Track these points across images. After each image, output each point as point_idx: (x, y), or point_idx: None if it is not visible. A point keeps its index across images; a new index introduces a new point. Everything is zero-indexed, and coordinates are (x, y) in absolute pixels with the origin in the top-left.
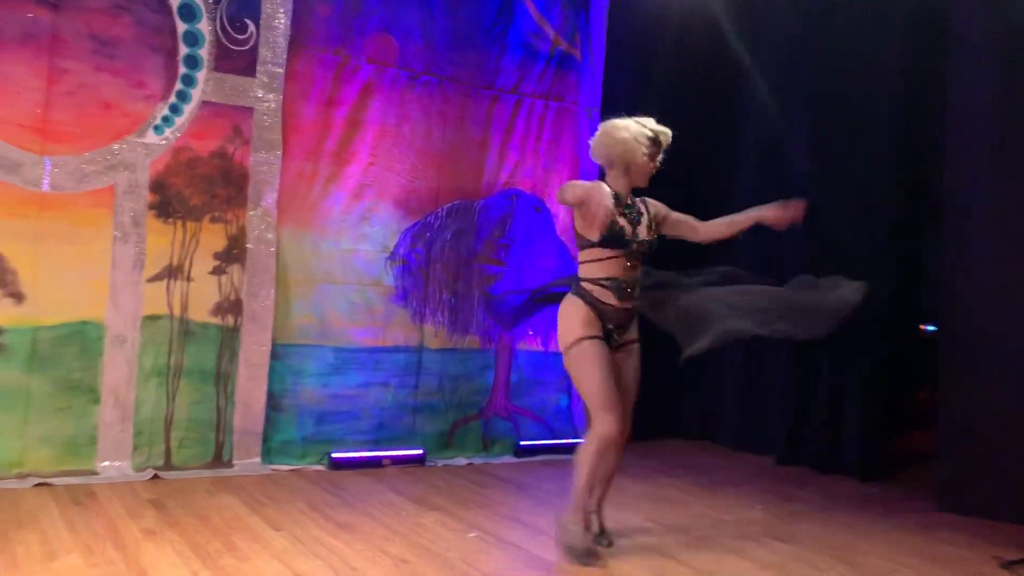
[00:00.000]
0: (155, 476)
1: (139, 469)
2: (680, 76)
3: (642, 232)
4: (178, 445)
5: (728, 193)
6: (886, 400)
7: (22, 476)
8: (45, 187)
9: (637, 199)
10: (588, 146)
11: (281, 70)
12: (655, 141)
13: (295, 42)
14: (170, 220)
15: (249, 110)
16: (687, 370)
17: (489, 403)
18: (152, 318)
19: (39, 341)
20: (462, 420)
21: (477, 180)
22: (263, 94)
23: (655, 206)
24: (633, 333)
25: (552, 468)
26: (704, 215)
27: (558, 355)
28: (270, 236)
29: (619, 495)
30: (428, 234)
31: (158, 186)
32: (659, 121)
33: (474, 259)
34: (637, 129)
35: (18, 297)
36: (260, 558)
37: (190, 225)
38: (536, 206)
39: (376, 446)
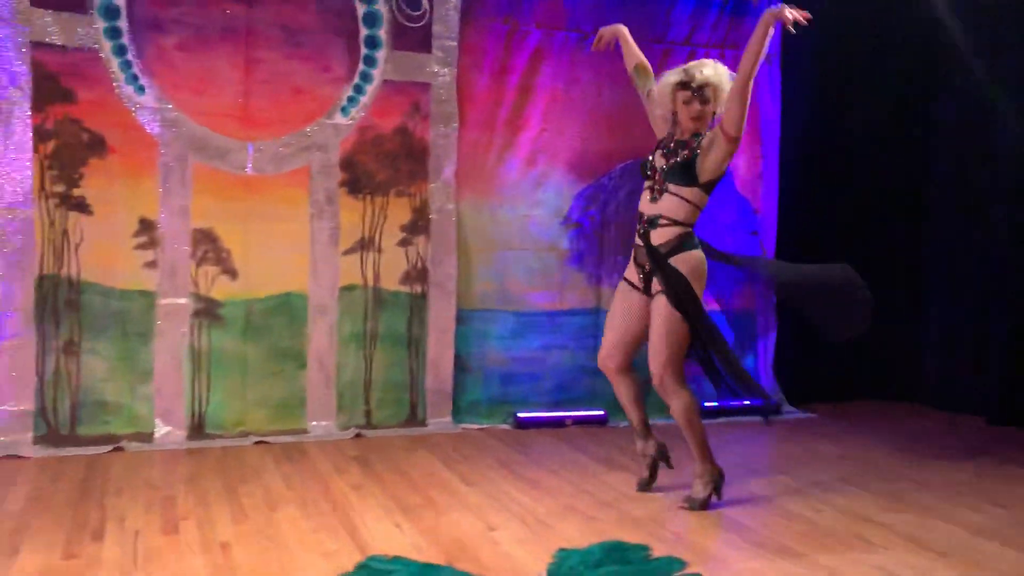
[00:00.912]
0: (358, 435)
1: (343, 428)
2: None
3: (659, 161)
4: (377, 405)
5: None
6: None
7: (243, 434)
8: (249, 170)
9: (701, 136)
10: (767, 94)
11: (454, 43)
12: (683, 84)
13: (466, 14)
14: (360, 196)
15: (426, 85)
16: (888, 328)
17: None
18: (348, 288)
19: (252, 313)
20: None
21: (651, 137)
22: (438, 68)
23: (716, 140)
24: (660, 284)
25: (736, 429)
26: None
27: (736, 314)
28: (451, 207)
29: (816, 460)
30: (602, 196)
31: (348, 164)
32: (844, 69)
33: None
34: (664, 80)
35: (232, 273)
36: (456, 512)
37: (378, 200)
38: None
39: (558, 406)
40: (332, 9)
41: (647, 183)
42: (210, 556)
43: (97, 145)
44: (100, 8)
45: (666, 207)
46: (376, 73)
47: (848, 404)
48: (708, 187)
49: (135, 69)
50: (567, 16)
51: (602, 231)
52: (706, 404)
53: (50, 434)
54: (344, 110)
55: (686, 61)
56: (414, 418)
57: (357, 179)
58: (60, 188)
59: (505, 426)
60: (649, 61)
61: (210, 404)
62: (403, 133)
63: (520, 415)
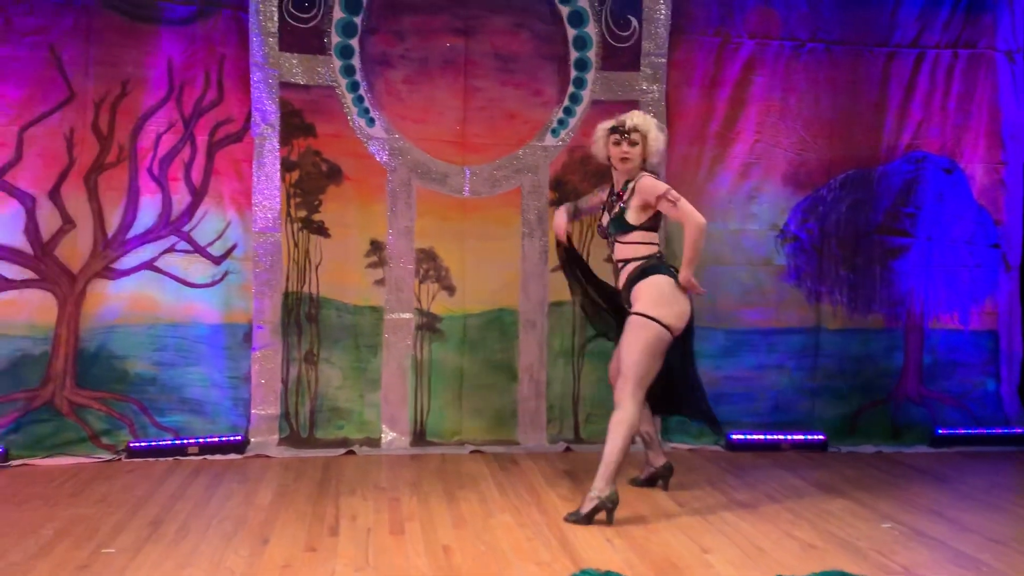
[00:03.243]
0: (567, 448)
1: (553, 441)
2: None
3: (604, 218)
4: (585, 420)
5: None
6: None
7: (460, 443)
8: (466, 193)
9: (631, 183)
10: (1010, 94)
11: (663, 60)
12: (613, 129)
13: (675, 30)
14: None
15: (634, 103)
16: None
17: (899, 387)
18: (557, 304)
19: (468, 327)
20: (868, 405)
21: (874, 146)
22: (647, 86)
23: (638, 187)
24: (635, 306)
25: (977, 460)
26: None
27: (979, 334)
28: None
29: None
30: (820, 208)
31: (557, 184)
32: None
33: (874, 231)
34: (598, 129)
35: (451, 289)
36: (667, 531)
37: (586, 218)
38: (946, 168)
39: (773, 429)
40: (543, 35)
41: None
42: (433, 558)
43: (334, 174)
44: (337, 48)
45: (622, 253)
46: (585, 94)
47: None
48: (648, 225)
49: (366, 103)
50: (781, 25)
51: (821, 245)
52: (940, 431)
53: (292, 436)
54: (554, 132)
55: (914, 65)
56: None
57: (566, 198)
58: (303, 213)
59: (716, 447)
60: (872, 65)
61: (430, 413)
62: None
63: (732, 436)
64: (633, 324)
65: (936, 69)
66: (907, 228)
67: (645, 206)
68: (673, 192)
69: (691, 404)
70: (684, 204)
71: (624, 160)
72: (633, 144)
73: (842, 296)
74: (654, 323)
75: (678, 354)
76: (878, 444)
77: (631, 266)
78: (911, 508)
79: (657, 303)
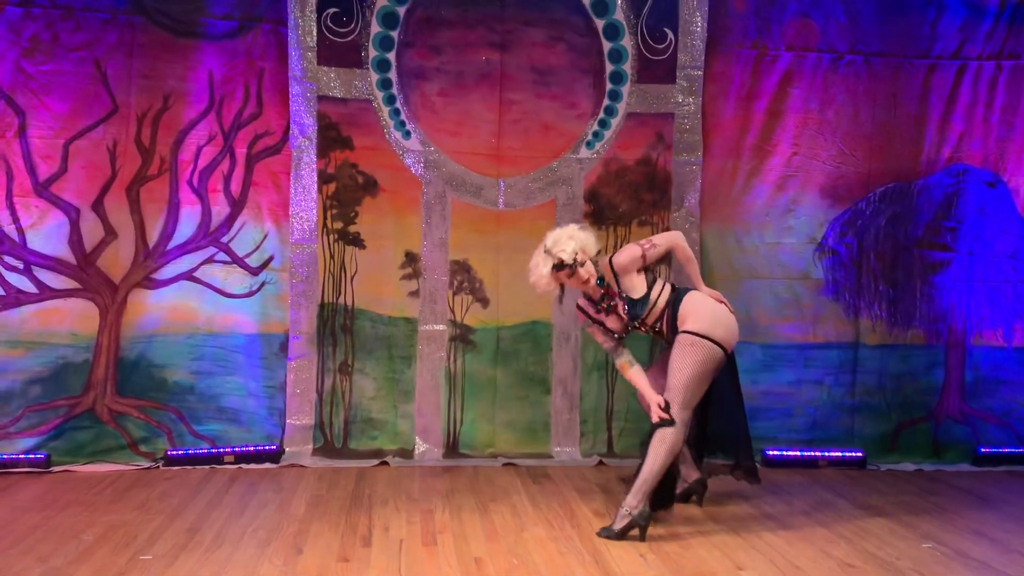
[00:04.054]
0: (600, 462)
1: (586, 455)
2: None
3: (615, 323)
4: (619, 434)
5: None
6: None
7: (493, 455)
8: (500, 205)
9: (604, 279)
10: None
11: (699, 72)
12: (557, 267)
13: (712, 42)
14: (603, 227)
15: (670, 116)
16: None
17: (940, 404)
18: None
19: (501, 339)
20: (908, 422)
21: (914, 159)
22: (683, 98)
23: (618, 270)
24: (684, 326)
25: (1021, 480)
26: None
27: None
28: (694, 235)
29: None
30: (859, 221)
31: (592, 196)
32: None
33: (914, 245)
34: (538, 274)
35: (484, 302)
36: (702, 547)
37: (620, 230)
38: (989, 181)
39: (810, 445)
40: (579, 48)
41: (637, 330)
42: (465, 570)
43: (370, 186)
44: (374, 62)
45: (653, 313)
46: (620, 107)
47: None
48: (646, 275)
49: (402, 116)
50: (819, 37)
51: (860, 259)
52: (982, 450)
53: (326, 446)
54: (589, 144)
55: (955, 77)
56: None
57: (601, 210)
58: (339, 225)
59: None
60: (912, 78)
61: (463, 424)
62: (646, 163)
63: (768, 452)
64: (682, 343)
65: (978, 81)
66: (948, 242)
67: (634, 270)
68: (644, 242)
69: (733, 449)
70: (657, 238)
71: (586, 283)
72: (582, 264)
73: (881, 311)
74: (705, 341)
75: (728, 393)
76: (918, 462)
77: (660, 308)
78: (952, 528)
79: (705, 319)
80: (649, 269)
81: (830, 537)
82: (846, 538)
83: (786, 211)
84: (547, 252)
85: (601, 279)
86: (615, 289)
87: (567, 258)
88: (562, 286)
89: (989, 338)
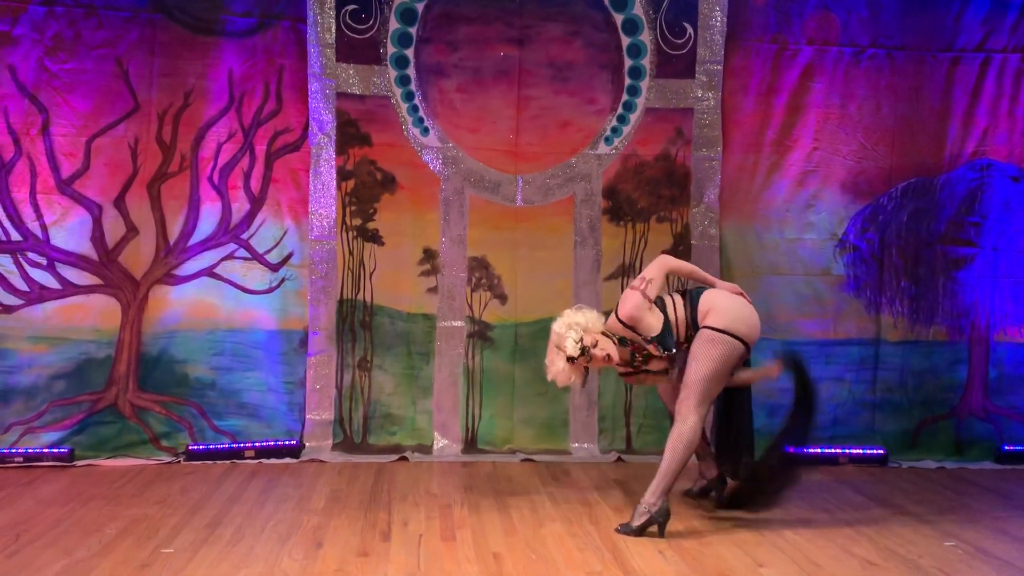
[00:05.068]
0: (619, 459)
1: (604, 451)
2: None
3: (657, 364)
4: (637, 431)
5: None
6: None
7: (511, 451)
8: (518, 202)
9: (623, 338)
10: None
11: (719, 67)
12: (570, 360)
13: (731, 37)
14: (621, 223)
15: (689, 111)
16: None
17: (963, 401)
18: (609, 313)
19: (519, 335)
20: (930, 419)
21: (937, 153)
22: (702, 93)
23: (630, 321)
24: (705, 321)
25: None
26: None
27: None
28: (713, 231)
29: None
30: (881, 217)
31: (610, 192)
32: None
33: (937, 241)
34: (554, 369)
35: (502, 298)
36: (721, 544)
37: (639, 226)
38: (1014, 176)
39: (831, 442)
40: (597, 44)
41: (680, 348)
42: (483, 565)
43: (389, 183)
44: (392, 59)
45: (683, 335)
46: (639, 102)
47: None
48: (655, 302)
49: (421, 112)
50: (840, 31)
51: (881, 255)
52: (1006, 447)
53: (345, 442)
54: (607, 140)
55: (979, 70)
56: None
57: (619, 206)
58: (358, 222)
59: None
60: (935, 71)
61: (482, 420)
62: (665, 159)
63: (788, 448)
64: (703, 337)
65: (1003, 74)
66: (971, 238)
67: (645, 312)
68: (638, 283)
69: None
70: (647, 273)
71: (608, 359)
72: (593, 346)
73: (903, 307)
74: (727, 336)
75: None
76: (940, 459)
77: (684, 319)
78: (975, 526)
79: (726, 314)
80: (656, 292)
81: (851, 535)
82: (867, 535)
83: (806, 207)
84: (557, 348)
85: (623, 340)
86: (639, 340)
87: (573, 352)
88: (586, 368)
89: (1013, 335)
